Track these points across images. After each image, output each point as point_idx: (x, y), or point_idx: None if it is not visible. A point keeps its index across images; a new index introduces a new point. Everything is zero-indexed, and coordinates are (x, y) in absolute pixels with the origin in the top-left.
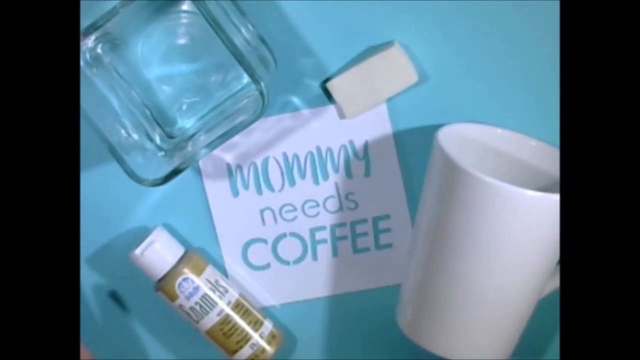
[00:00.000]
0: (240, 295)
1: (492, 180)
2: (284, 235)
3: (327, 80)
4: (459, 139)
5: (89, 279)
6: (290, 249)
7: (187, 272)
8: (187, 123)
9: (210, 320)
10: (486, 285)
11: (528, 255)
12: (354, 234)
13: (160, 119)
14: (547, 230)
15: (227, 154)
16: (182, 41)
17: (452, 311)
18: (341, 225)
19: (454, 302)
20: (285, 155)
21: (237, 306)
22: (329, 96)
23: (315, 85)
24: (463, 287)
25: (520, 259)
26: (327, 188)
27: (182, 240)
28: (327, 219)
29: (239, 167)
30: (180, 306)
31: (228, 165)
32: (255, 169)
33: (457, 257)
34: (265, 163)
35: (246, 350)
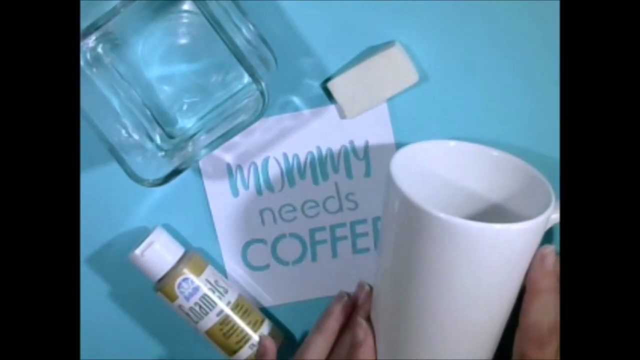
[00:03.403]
0: (240, 295)
1: (444, 215)
2: (283, 236)
3: (327, 80)
4: (415, 160)
5: (89, 279)
6: (289, 249)
7: (187, 273)
8: (187, 123)
9: (210, 320)
10: (452, 317)
11: (490, 284)
12: (354, 234)
13: (161, 119)
14: (501, 259)
15: (227, 154)
16: (182, 41)
17: (423, 345)
18: (341, 225)
19: (424, 337)
20: (285, 156)
21: (237, 306)
22: (329, 96)
23: (316, 85)
24: (430, 320)
25: (482, 289)
26: (327, 188)
27: (182, 241)
28: (326, 219)
29: (239, 167)
30: (180, 306)
31: (228, 166)
32: (255, 169)
33: (419, 293)
34: (265, 163)
35: (246, 351)
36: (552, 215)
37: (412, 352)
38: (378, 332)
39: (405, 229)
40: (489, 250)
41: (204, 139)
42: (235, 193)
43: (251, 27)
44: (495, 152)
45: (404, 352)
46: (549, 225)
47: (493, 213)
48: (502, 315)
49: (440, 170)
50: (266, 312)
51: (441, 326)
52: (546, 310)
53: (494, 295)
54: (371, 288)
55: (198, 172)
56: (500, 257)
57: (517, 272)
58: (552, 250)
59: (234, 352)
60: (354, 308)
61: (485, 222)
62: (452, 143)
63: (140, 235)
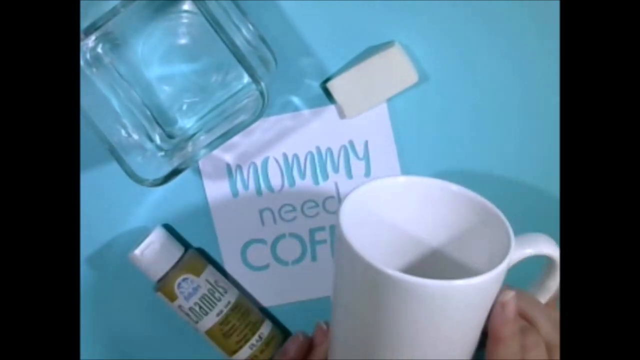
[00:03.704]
0: (240, 295)
1: (395, 273)
2: (283, 236)
3: (327, 80)
4: (366, 204)
5: (89, 279)
6: (289, 249)
7: (187, 273)
8: (187, 123)
9: (210, 320)
10: None
11: (450, 337)
12: None
13: (161, 119)
14: (458, 313)
15: (227, 154)
16: (182, 41)
17: None
18: None
19: None
20: (285, 156)
21: (237, 306)
22: (329, 96)
23: (316, 85)
24: None
25: (442, 342)
26: (327, 188)
27: (182, 241)
28: (326, 220)
29: (239, 167)
30: (180, 306)
31: (228, 166)
32: (255, 169)
33: (376, 347)
34: (265, 163)
35: (245, 351)
36: (513, 256)
37: None
38: None
39: (359, 285)
40: (448, 305)
41: (203, 139)
42: (235, 193)
43: (251, 27)
44: (453, 187)
45: None
46: (511, 264)
47: (452, 250)
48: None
49: (393, 209)
50: (266, 312)
51: None
52: (510, 357)
53: (455, 346)
54: (328, 327)
55: (198, 172)
56: (460, 309)
57: (477, 320)
58: (512, 297)
59: (234, 352)
60: (311, 349)
61: (443, 275)
62: (402, 179)
63: (140, 235)
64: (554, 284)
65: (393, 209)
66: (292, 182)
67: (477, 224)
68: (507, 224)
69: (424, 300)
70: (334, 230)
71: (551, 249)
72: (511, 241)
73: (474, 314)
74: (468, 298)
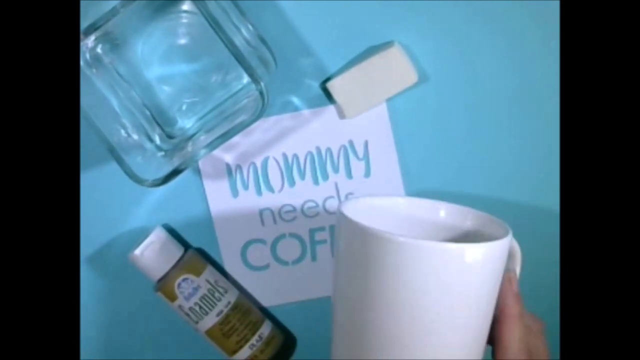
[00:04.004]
0: (240, 295)
1: (403, 238)
2: (283, 236)
3: (327, 80)
4: (362, 212)
5: (89, 279)
6: (289, 249)
7: (187, 273)
8: (187, 123)
9: (210, 320)
10: (419, 347)
11: (455, 309)
12: None
13: (160, 119)
14: (466, 282)
15: (226, 154)
16: (182, 41)
17: None
18: None
19: None
20: (285, 156)
21: (237, 307)
22: (329, 96)
23: (315, 85)
24: (392, 348)
25: (448, 314)
26: (327, 188)
27: (182, 241)
28: (326, 220)
29: (239, 167)
30: (180, 306)
31: (228, 166)
32: (255, 169)
33: (381, 327)
34: (265, 163)
35: (245, 351)
36: (514, 245)
37: None
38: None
39: (364, 260)
40: (457, 271)
41: (203, 139)
42: (235, 193)
43: (250, 27)
44: (444, 206)
45: None
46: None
47: None
48: (474, 343)
49: (389, 221)
50: (266, 312)
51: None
52: (523, 339)
53: (462, 320)
54: None
55: (198, 172)
56: (464, 277)
57: (483, 295)
58: (515, 273)
59: (234, 352)
60: None
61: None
62: (402, 200)
63: (140, 235)
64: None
65: (389, 224)
66: (292, 182)
67: (474, 232)
68: (503, 222)
69: (434, 263)
70: (333, 229)
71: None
72: (508, 230)
73: (476, 286)
74: (468, 265)
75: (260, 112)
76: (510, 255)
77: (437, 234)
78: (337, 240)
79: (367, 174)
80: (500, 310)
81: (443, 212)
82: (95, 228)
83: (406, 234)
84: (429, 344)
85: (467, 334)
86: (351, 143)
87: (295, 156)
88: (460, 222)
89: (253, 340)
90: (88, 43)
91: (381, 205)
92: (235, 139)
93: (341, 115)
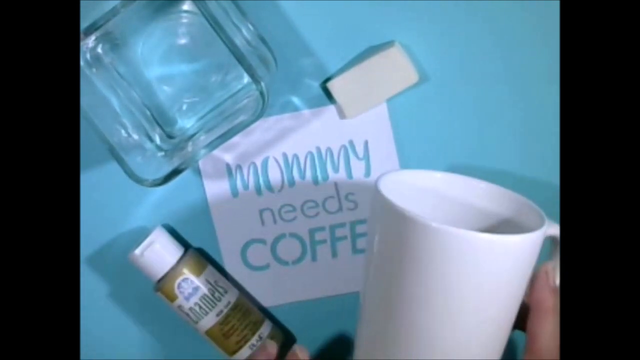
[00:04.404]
0: (240, 295)
1: (441, 225)
2: (283, 236)
3: (327, 80)
4: (399, 186)
5: (89, 279)
6: (289, 249)
7: (187, 273)
8: (187, 123)
9: (210, 320)
10: (449, 337)
11: (487, 300)
12: (354, 235)
13: (160, 119)
14: (501, 273)
15: (226, 154)
16: (182, 41)
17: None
18: (341, 225)
19: (410, 350)
20: (285, 156)
21: (237, 307)
22: (329, 96)
23: (316, 85)
24: (419, 335)
25: (479, 305)
26: (327, 188)
27: (182, 241)
28: (326, 220)
29: (239, 167)
30: (180, 307)
31: (228, 166)
32: (255, 169)
33: (412, 312)
34: (265, 163)
35: (245, 351)
36: (554, 234)
37: None
38: (360, 347)
39: (400, 243)
40: (490, 262)
41: (203, 139)
42: (235, 193)
43: (251, 27)
44: (482, 184)
45: None
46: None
47: None
48: (499, 332)
49: (426, 199)
50: (266, 312)
51: (433, 345)
52: (557, 333)
53: (493, 311)
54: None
55: (198, 172)
56: (500, 268)
57: (514, 287)
58: (553, 267)
59: (234, 352)
60: None
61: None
62: (439, 175)
63: (140, 235)
64: (558, 263)
65: (426, 198)
66: (292, 182)
67: (510, 216)
68: (539, 209)
69: (468, 252)
70: (333, 229)
71: (556, 230)
72: (544, 220)
73: (510, 277)
74: (508, 255)
75: (261, 112)
76: (553, 244)
77: (472, 216)
78: (372, 218)
79: (367, 173)
80: (535, 303)
81: (480, 191)
82: (95, 228)
83: (440, 218)
84: (455, 330)
85: (493, 323)
86: (351, 143)
87: (296, 156)
88: (498, 205)
89: (253, 340)
90: (88, 43)
91: (417, 181)
92: (235, 139)
93: (341, 115)
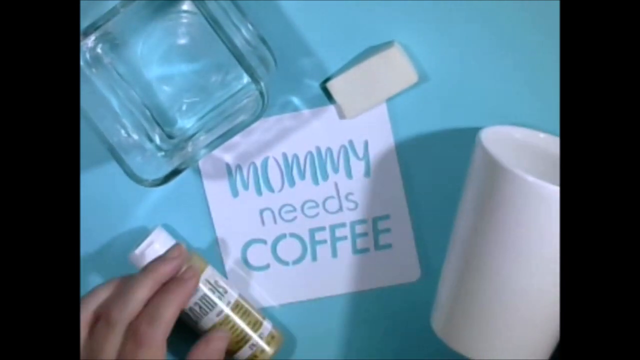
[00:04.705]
0: (240, 295)
1: (536, 180)
2: (283, 236)
3: (327, 80)
4: (500, 141)
5: (89, 279)
6: (289, 249)
7: None
8: (187, 123)
9: (210, 320)
10: (526, 286)
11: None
12: (354, 235)
13: (160, 119)
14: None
15: (226, 154)
16: (182, 41)
17: (492, 316)
18: (341, 225)
19: (493, 304)
20: (285, 156)
21: (237, 307)
22: (329, 96)
23: (315, 85)
24: (502, 288)
25: (555, 260)
26: (327, 188)
27: (182, 241)
28: (326, 220)
29: (239, 167)
30: None
31: (228, 166)
32: (255, 169)
33: (498, 257)
34: (265, 163)
35: (245, 351)
36: None
37: (480, 318)
38: (447, 300)
39: (490, 191)
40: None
41: (203, 139)
42: (235, 193)
43: (250, 27)
44: None
45: (472, 318)
46: None
47: None
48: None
49: (524, 155)
50: (266, 312)
51: (511, 292)
52: None
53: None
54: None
55: (198, 172)
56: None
57: None
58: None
59: (233, 352)
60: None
61: None
62: (542, 135)
63: (140, 235)
64: None
65: (525, 156)
66: (292, 182)
67: None
68: None
69: (545, 204)
70: (334, 230)
71: None
72: None
73: None
74: None
75: (260, 112)
76: None
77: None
78: (472, 167)
79: (367, 174)
80: None
81: None
82: (95, 228)
83: (534, 173)
84: (534, 289)
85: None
86: (351, 143)
87: (296, 156)
88: None
89: (253, 340)
90: (88, 43)
91: (520, 138)
92: (235, 139)
93: (341, 115)
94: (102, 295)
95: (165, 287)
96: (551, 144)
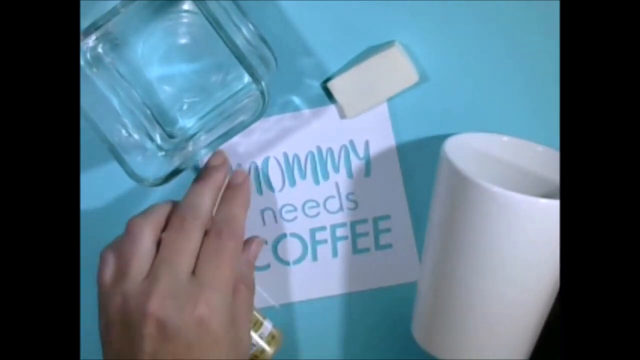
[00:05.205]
0: None
1: (499, 189)
2: (284, 236)
3: (327, 80)
4: (464, 149)
5: (89, 278)
6: (290, 249)
7: None
8: (187, 123)
9: None
10: (500, 296)
11: (540, 263)
12: (354, 234)
13: (161, 119)
14: (556, 238)
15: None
16: (182, 41)
17: (467, 322)
18: (341, 225)
19: (467, 313)
20: (285, 155)
21: None
22: (329, 96)
23: (316, 85)
24: (476, 298)
25: (532, 267)
26: (328, 188)
27: None
28: (327, 219)
29: (239, 167)
30: None
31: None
32: (256, 169)
33: (468, 269)
34: (266, 163)
35: None
36: None
37: (456, 326)
38: (423, 309)
39: (456, 202)
40: (535, 225)
41: (204, 138)
42: None
43: (251, 27)
44: (546, 151)
45: (449, 327)
46: None
47: None
48: (541, 302)
49: (488, 162)
50: (266, 312)
51: (485, 302)
52: None
53: (542, 273)
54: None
55: (198, 172)
56: (547, 233)
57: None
58: None
59: None
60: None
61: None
62: (505, 138)
63: None
64: None
65: (488, 161)
66: (293, 182)
67: None
68: None
69: (513, 214)
70: (334, 229)
71: None
72: None
73: (555, 244)
74: (554, 220)
75: (261, 111)
76: None
77: (531, 181)
78: (438, 180)
79: (368, 173)
80: None
81: (543, 158)
82: (95, 228)
83: (501, 182)
84: (504, 294)
85: (539, 290)
86: (352, 143)
87: (296, 156)
88: (554, 172)
89: (253, 340)
90: (88, 43)
91: (482, 144)
92: (236, 138)
93: (342, 115)
94: (162, 211)
95: (227, 195)
96: (515, 147)
